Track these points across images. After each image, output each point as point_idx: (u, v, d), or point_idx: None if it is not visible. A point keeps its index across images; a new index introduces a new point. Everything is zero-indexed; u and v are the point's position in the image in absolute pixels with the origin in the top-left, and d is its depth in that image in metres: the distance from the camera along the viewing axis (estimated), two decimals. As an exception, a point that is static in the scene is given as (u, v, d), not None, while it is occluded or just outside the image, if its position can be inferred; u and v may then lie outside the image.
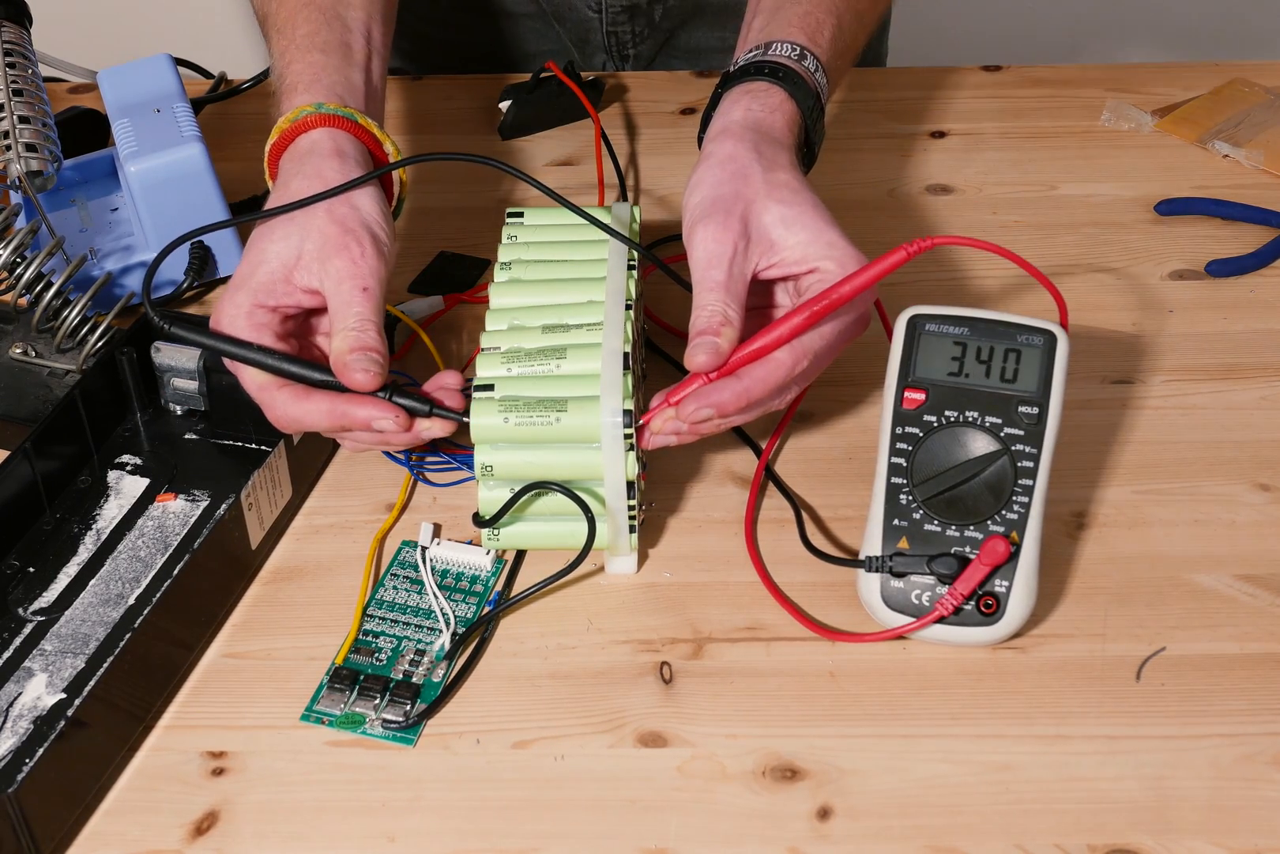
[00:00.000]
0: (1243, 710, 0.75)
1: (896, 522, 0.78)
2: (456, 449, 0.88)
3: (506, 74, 1.21)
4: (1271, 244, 1.03)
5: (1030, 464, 0.77)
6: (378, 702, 0.75)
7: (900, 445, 0.78)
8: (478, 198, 1.09)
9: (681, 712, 0.75)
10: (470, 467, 0.85)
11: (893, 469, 0.78)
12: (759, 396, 0.78)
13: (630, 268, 0.84)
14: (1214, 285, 1.01)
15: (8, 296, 0.92)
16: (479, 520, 0.79)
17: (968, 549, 0.76)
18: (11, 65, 0.98)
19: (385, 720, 0.75)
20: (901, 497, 0.78)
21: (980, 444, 0.78)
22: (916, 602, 0.77)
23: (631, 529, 0.80)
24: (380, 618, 0.80)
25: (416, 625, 0.79)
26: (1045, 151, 1.14)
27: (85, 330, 0.92)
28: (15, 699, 0.73)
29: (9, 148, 0.93)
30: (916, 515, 0.77)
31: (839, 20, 0.93)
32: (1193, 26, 2.13)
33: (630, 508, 0.78)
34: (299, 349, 0.82)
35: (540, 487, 0.77)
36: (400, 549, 0.83)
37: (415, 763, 0.73)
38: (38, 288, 0.91)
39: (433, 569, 0.82)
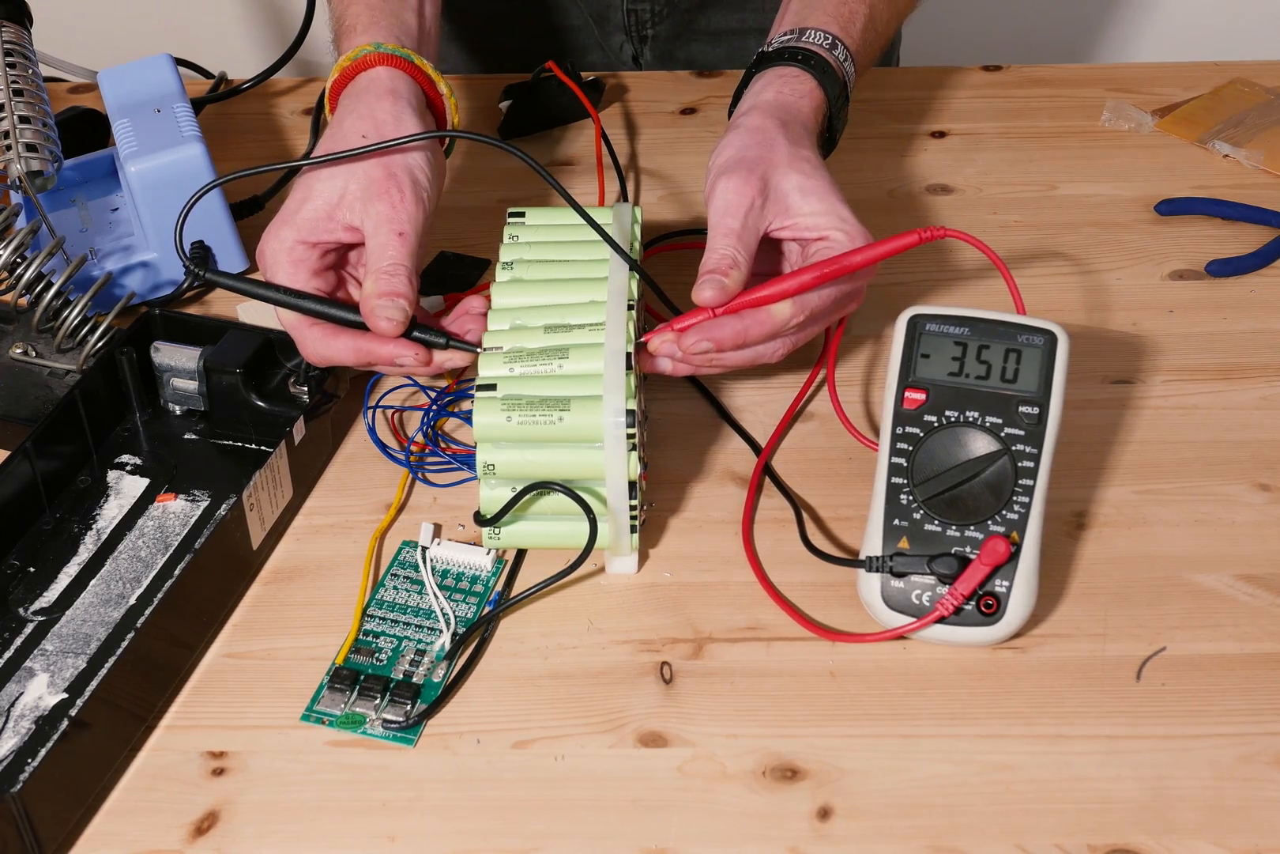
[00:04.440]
0: (1243, 710, 0.75)
1: (897, 522, 0.78)
2: (458, 449, 0.88)
3: (509, 74, 1.21)
4: (1271, 244, 1.03)
5: (1031, 464, 0.77)
6: (378, 702, 0.75)
7: (901, 445, 0.78)
8: (478, 198, 1.09)
9: (681, 712, 0.75)
10: (471, 466, 0.85)
11: (893, 469, 0.78)
12: (754, 338, 0.82)
13: (632, 268, 0.84)
14: (1214, 285, 1.01)
15: (8, 296, 0.92)
16: (480, 519, 0.79)
17: (968, 549, 0.76)
18: (11, 65, 0.98)
19: (385, 720, 0.75)
20: (902, 496, 0.78)
21: (981, 444, 0.78)
22: (917, 602, 0.77)
23: (632, 529, 0.80)
24: (380, 618, 0.80)
25: (417, 625, 0.79)
26: (1045, 151, 1.14)
27: (85, 330, 0.92)
28: (17, 699, 0.73)
29: (9, 148, 0.93)
30: (917, 515, 0.77)
31: (872, 10, 0.97)
32: (1193, 26, 2.13)
33: (631, 508, 0.78)
34: (335, 281, 0.87)
35: (542, 487, 0.77)
36: (400, 549, 0.83)
37: (415, 763, 0.73)
38: (38, 288, 0.91)
39: (433, 569, 0.82)
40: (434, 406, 0.90)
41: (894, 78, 1.23)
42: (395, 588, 0.81)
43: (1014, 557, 0.76)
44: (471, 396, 0.79)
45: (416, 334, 0.82)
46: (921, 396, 0.79)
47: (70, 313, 0.91)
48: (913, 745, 0.73)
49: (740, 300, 0.82)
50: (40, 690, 0.74)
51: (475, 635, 0.79)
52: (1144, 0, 2.14)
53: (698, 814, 0.71)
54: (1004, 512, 0.77)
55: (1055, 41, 2.18)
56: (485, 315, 0.83)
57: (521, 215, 0.89)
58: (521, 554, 0.83)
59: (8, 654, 0.75)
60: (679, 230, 1.05)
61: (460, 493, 0.87)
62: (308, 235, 0.84)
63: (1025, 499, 0.77)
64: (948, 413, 0.78)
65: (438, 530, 0.85)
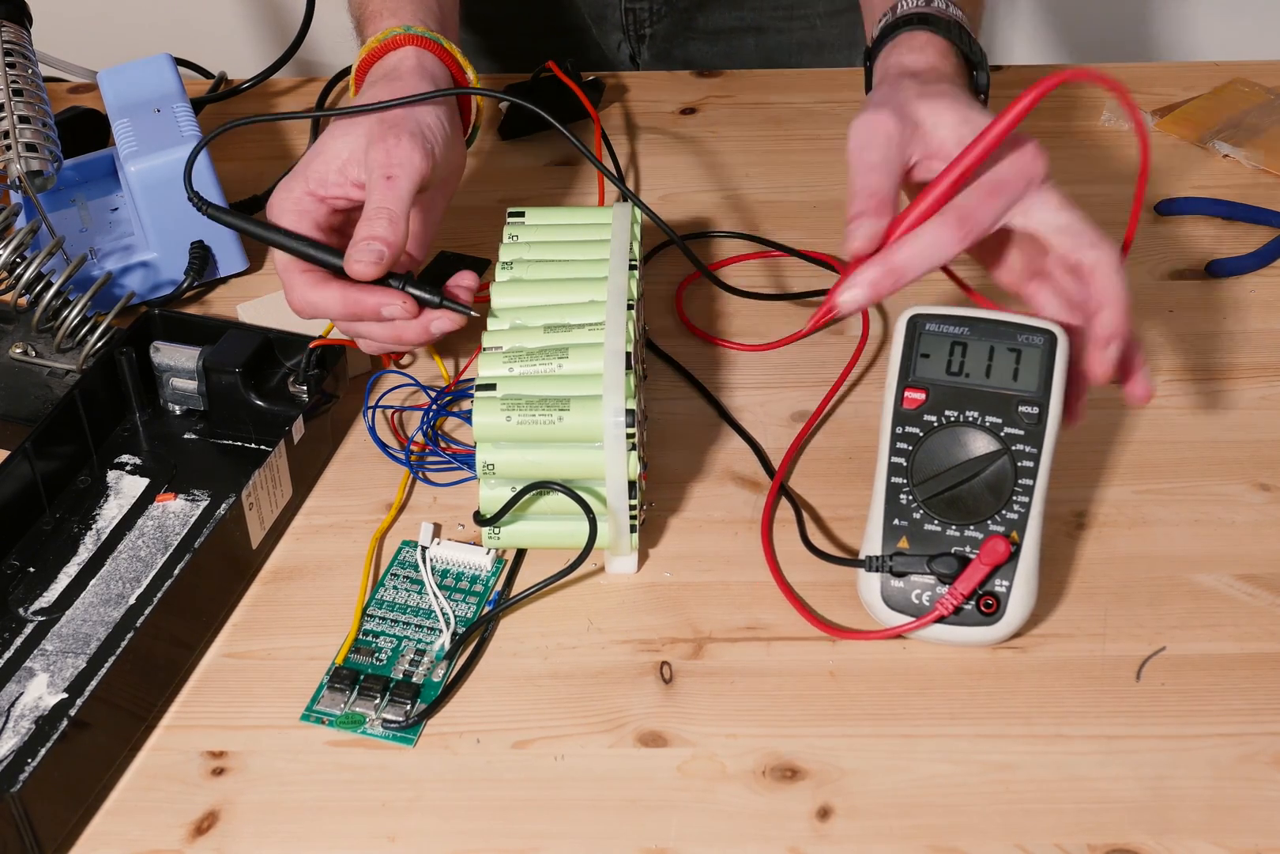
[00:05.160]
0: (1243, 710, 0.75)
1: (897, 521, 0.78)
2: (458, 448, 0.88)
3: (508, 74, 1.21)
4: (1271, 244, 1.03)
5: (1030, 464, 0.77)
6: (378, 701, 0.75)
7: (900, 445, 0.78)
8: (478, 198, 1.09)
9: (681, 712, 0.75)
10: (471, 466, 0.85)
11: (893, 469, 0.78)
12: (918, 268, 0.76)
13: (631, 267, 0.84)
14: (1214, 285, 1.01)
15: (8, 296, 0.92)
16: (480, 519, 0.79)
17: (968, 549, 0.76)
18: (11, 65, 0.98)
19: (385, 720, 0.75)
20: (902, 496, 0.78)
21: (980, 444, 0.78)
22: (916, 601, 0.77)
23: (632, 529, 0.80)
24: (380, 618, 0.80)
25: (416, 625, 0.79)
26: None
27: (85, 330, 0.92)
28: (17, 699, 0.73)
29: (9, 148, 0.93)
30: (916, 515, 0.77)
31: None
32: (1193, 26, 2.13)
33: (631, 507, 0.78)
34: (340, 241, 0.85)
35: (542, 486, 0.77)
36: (400, 549, 0.83)
37: (415, 763, 0.73)
38: (38, 288, 0.91)
39: (433, 569, 0.82)
40: (434, 406, 0.90)
41: (894, 78, 1.23)
42: (395, 588, 0.81)
43: (1014, 556, 0.76)
44: (471, 396, 0.79)
45: (410, 289, 0.82)
46: (921, 396, 0.79)
47: (70, 313, 0.91)
48: (913, 745, 0.73)
49: (892, 241, 0.76)
50: (40, 690, 0.74)
51: (475, 635, 0.79)
52: (1144, 0, 2.14)
53: (698, 814, 0.71)
54: (1004, 511, 0.77)
55: (1055, 41, 2.18)
56: (472, 289, 0.84)
57: (521, 215, 0.89)
58: (521, 554, 0.83)
59: (8, 654, 0.75)
60: (681, 235, 1.05)
61: (460, 493, 0.87)
62: (316, 188, 0.84)
63: (1025, 499, 0.77)
64: (947, 413, 0.78)
65: (438, 530, 0.85)
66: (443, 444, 0.89)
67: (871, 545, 0.78)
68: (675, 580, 0.82)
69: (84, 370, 0.91)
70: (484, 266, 1.03)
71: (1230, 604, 0.80)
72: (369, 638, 0.79)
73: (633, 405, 0.77)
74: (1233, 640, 0.78)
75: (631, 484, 0.78)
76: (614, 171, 1.09)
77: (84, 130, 1.13)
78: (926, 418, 0.79)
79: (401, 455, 0.88)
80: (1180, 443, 0.89)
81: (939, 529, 0.77)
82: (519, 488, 0.78)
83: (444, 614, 0.80)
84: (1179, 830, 0.70)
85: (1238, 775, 0.72)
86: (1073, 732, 0.74)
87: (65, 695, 0.73)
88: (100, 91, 1.04)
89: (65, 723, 0.69)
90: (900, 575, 0.77)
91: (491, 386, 0.78)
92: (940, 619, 0.76)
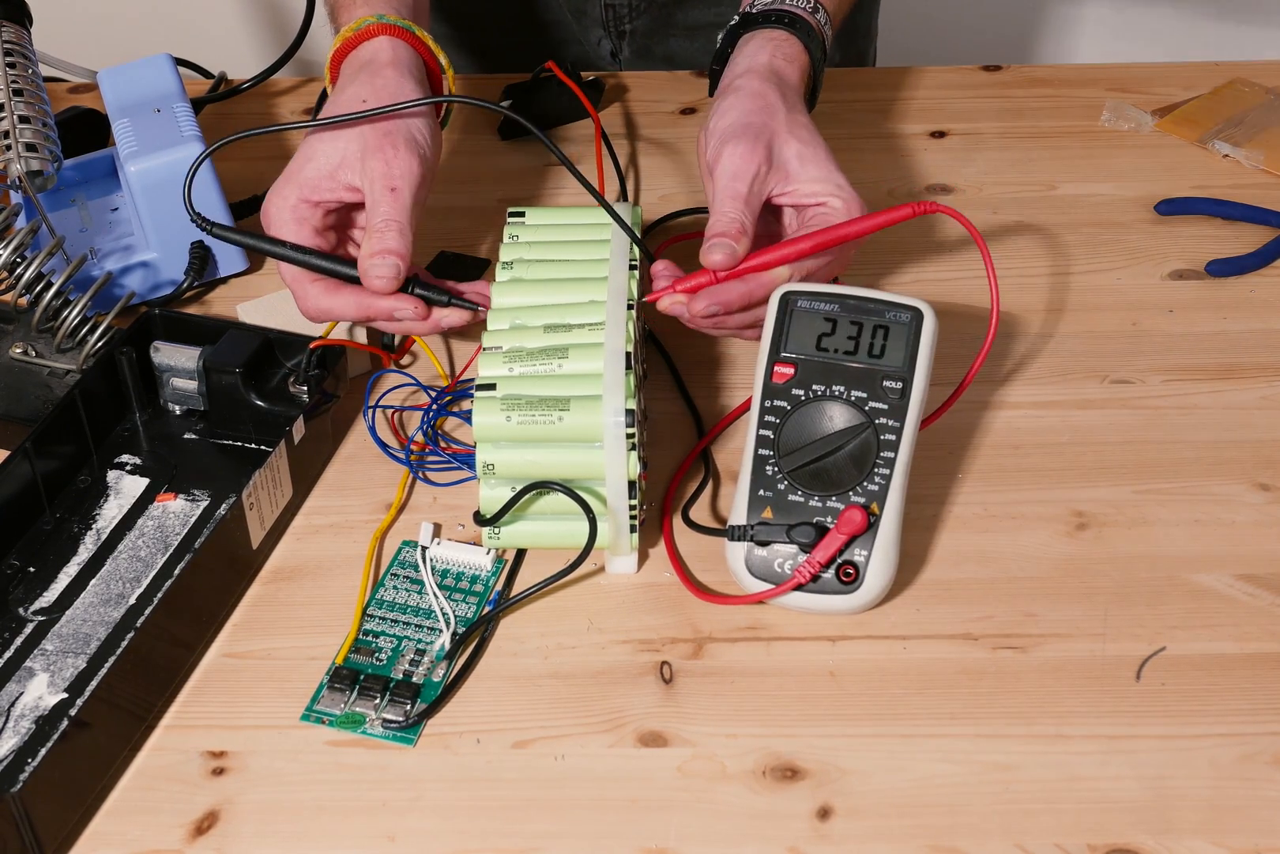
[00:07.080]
0: (1243, 710, 0.75)
1: (762, 492, 0.79)
2: (458, 448, 0.88)
3: (508, 74, 1.21)
4: (1271, 244, 1.03)
5: (893, 437, 0.78)
6: (378, 701, 0.75)
7: (769, 418, 0.80)
8: (477, 197, 1.09)
9: (681, 711, 0.75)
10: (471, 466, 0.85)
11: (760, 441, 0.79)
12: (758, 300, 0.84)
13: (632, 267, 0.84)
14: (1214, 285, 1.01)
15: (8, 296, 0.92)
16: (480, 519, 0.79)
17: (829, 519, 0.77)
18: (11, 65, 0.98)
19: (385, 720, 0.75)
20: (768, 468, 0.79)
21: (845, 417, 0.79)
22: (778, 569, 0.78)
23: (632, 529, 0.80)
24: (380, 618, 0.80)
25: (417, 625, 0.79)
26: (1045, 151, 1.14)
27: (85, 330, 0.92)
28: (17, 699, 0.73)
29: (9, 148, 0.93)
30: (781, 486, 0.79)
31: None
32: (1193, 26, 2.13)
33: (631, 507, 0.78)
34: (338, 240, 0.89)
35: (541, 486, 0.77)
36: (400, 549, 0.83)
37: (415, 763, 0.73)
38: (38, 288, 0.91)
39: (433, 569, 0.82)
40: (434, 406, 0.90)
41: (894, 78, 1.23)
42: (395, 587, 0.81)
43: (873, 527, 0.77)
44: (471, 396, 0.79)
45: (419, 291, 0.84)
46: (790, 371, 0.80)
47: (70, 313, 0.91)
48: (912, 745, 0.73)
49: (745, 265, 0.84)
50: (40, 690, 0.74)
51: (475, 635, 0.79)
52: (1144, 0, 2.14)
53: (698, 814, 0.71)
54: (865, 483, 0.78)
55: (1055, 41, 2.18)
56: (485, 295, 0.85)
57: (521, 215, 0.89)
58: (521, 554, 0.83)
59: (8, 654, 0.75)
60: (681, 210, 1.05)
61: (460, 493, 0.87)
62: (310, 194, 0.86)
63: (886, 471, 0.78)
64: (815, 387, 0.80)
65: (438, 530, 0.85)
66: (443, 444, 0.89)
67: (737, 515, 0.79)
68: (675, 580, 0.82)
69: (84, 370, 0.91)
70: (484, 266, 1.03)
71: (1230, 604, 0.80)
72: (369, 638, 0.79)
73: (633, 405, 0.77)
74: (1233, 640, 0.78)
75: (631, 484, 0.78)
76: (615, 171, 1.09)
77: (84, 130, 1.13)
78: (794, 392, 0.80)
79: (401, 455, 0.88)
80: (1180, 443, 0.89)
81: (802, 500, 0.78)
82: (519, 488, 0.78)
83: (444, 614, 0.80)
84: (1179, 830, 0.70)
85: (1238, 775, 0.72)
86: (1073, 732, 0.74)
87: (65, 695, 0.73)
88: (100, 91, 1.04)
89: (65, 723, 0.69)
90: (763, 544, 0.78)
91: (491, 386, 0.78)
92: (799, 587, 0.77)
